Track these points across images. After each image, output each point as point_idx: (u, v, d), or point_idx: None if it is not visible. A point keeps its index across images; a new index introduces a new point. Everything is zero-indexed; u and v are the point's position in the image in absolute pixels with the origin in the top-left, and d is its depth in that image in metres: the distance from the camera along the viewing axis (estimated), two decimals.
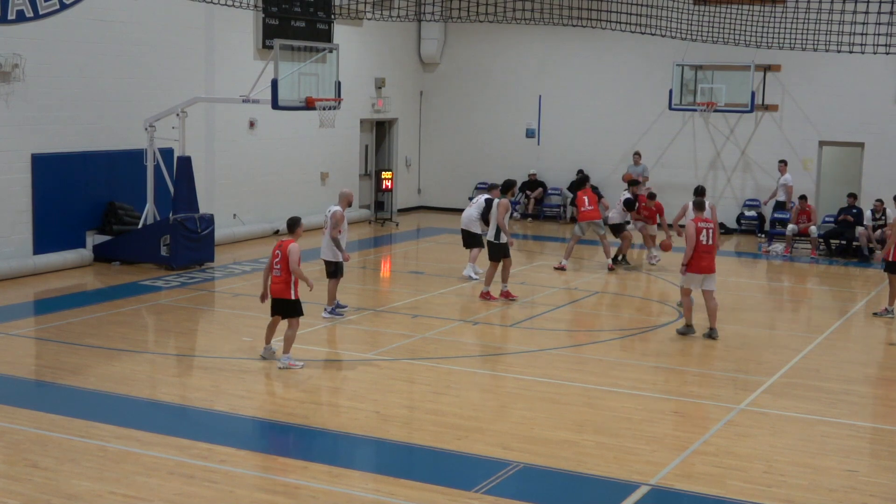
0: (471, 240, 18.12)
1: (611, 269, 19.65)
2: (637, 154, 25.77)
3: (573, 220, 26.97)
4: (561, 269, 19.58)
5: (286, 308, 12.41)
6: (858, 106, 24.21)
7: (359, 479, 9.10)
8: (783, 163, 24.35)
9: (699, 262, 14.17)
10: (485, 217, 17.74)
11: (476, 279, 18.04)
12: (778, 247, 22.83)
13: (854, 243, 22.09)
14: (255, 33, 22.82)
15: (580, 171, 27.01)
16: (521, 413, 10.92)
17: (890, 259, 15.75)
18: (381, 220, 26.47)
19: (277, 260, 12.25)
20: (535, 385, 12.03)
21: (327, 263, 15.09)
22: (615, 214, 20.32)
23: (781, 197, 24.10)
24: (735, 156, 25.57)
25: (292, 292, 12.30)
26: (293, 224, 12.62)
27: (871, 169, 24.17)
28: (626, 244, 20.38)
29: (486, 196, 17.82)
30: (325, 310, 15.07)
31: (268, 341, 12.70)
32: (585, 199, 19.80)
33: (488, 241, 16.94)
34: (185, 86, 20.78)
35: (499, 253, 16.68)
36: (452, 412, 10.87)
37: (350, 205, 15.19)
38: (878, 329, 15.93)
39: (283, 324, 12.55)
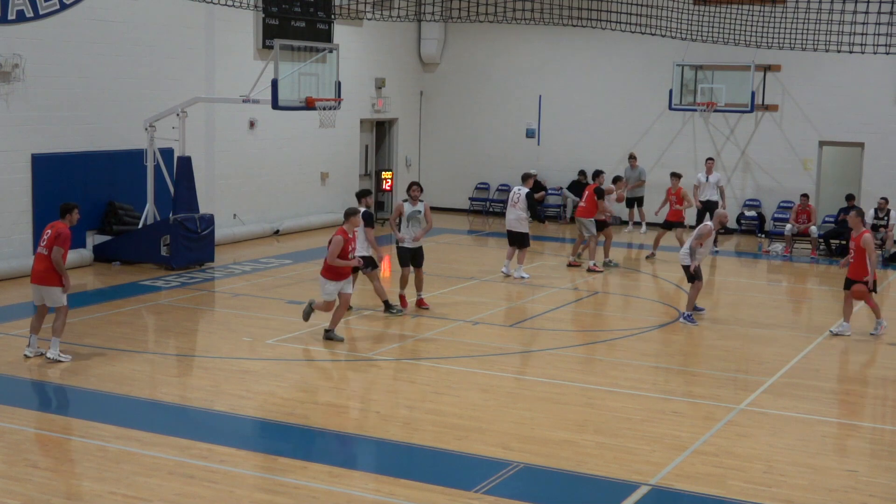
0: (520, 239, 18.42)
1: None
2: (633, 157, 25.65)
3: (572, 220, 26.98)
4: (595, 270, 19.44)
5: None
6: (858, 106, 24.19)
7: (359, 479, 9.10)
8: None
9: None
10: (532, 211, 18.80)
11: (527, 277, 18.28)
12: (778, 247, 22.83)
13: None
14: (255, 33, 22.81)
15: (580, 172, 27.06)
16: (521, 413, 10.91)
17: None
18: (381, 220, 26.44)
19: None
20: (535, 385, 12.03)
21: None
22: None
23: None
24: (735, 156, 25.55)
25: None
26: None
27: (871, 169, 24.15)
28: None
29: (527, 190, 18.45)
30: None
31: None
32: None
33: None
34: (185, 86, 20.78)
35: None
36: (452, 412, 10.87)
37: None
38: None
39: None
